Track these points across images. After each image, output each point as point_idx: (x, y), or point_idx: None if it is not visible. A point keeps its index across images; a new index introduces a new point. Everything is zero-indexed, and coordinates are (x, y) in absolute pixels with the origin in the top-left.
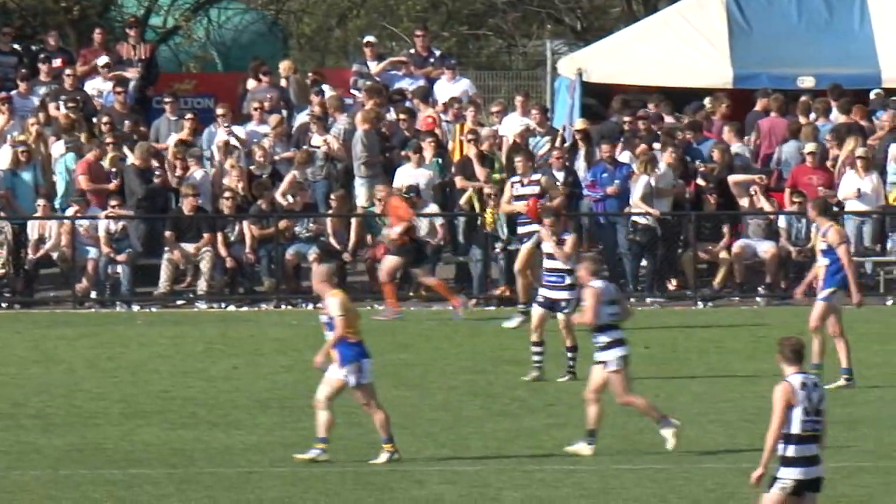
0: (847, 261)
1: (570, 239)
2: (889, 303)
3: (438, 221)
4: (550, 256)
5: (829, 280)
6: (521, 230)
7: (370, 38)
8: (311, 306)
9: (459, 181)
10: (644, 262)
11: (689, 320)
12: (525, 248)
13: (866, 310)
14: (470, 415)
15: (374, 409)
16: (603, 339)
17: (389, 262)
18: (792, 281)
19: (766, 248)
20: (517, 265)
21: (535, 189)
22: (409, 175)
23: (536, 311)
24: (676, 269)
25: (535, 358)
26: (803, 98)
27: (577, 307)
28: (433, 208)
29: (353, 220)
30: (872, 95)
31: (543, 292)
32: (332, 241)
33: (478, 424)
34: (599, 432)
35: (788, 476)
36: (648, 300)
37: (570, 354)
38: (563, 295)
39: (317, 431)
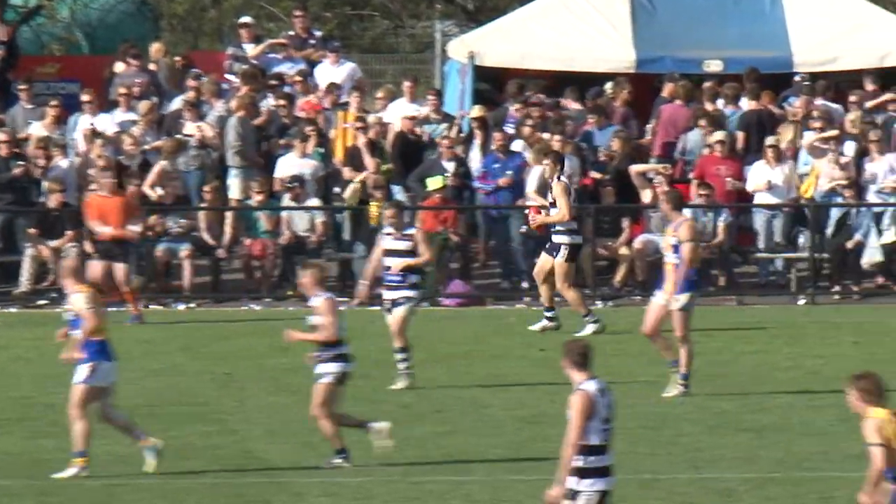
0: (689, 259)
1: (417, 233)
2: (801, 302)
3: (319, 216)
4: (391, 254)
5: (684, 283)
6: (555, 239)
7: (246, 19)
8: (182, 306)
9: (347, 172)
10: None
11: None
12: (557, 264)
13: (777, 310)
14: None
15: (85, 417)
16: (329, 352)
17: None
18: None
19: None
20: (559, 284)
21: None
22: (292, 166)
23: (389, 318)
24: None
25: (402, 365)
26: (708, 83)
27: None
28: (314, 202)
29: (228, 214)
30: (797, 79)
31: (386, 294)
32: (206, 236)
33: (361, 433)
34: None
35: (592, 489)
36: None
37: (400, 356)
38: (405, 294)
39: (73, 444)
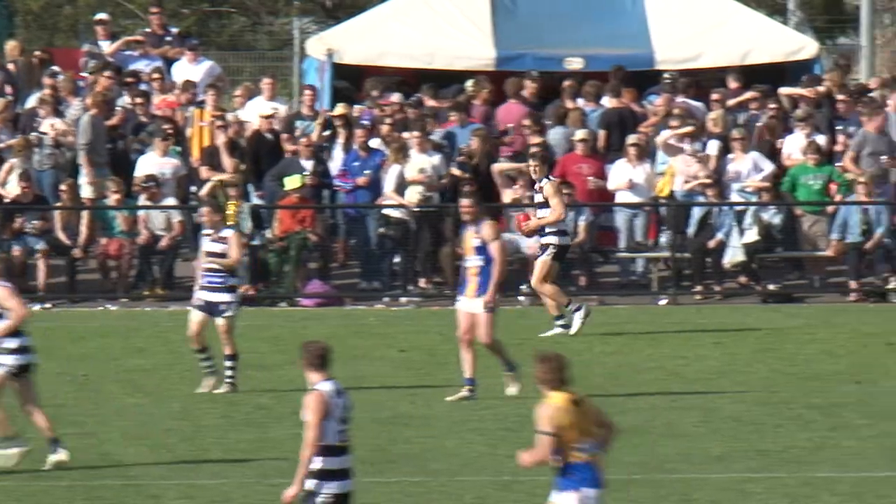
0: (500, 260)
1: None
2: (662, 302)
3: (177, 216)
4: (212, 255)
5: (486, 284)
6: (543, 240)
7: (102, 16)
8: (38, 307)
9: (205, 171)
10: (398, 259)
11: (447, 321)
12: (541, 261)
13: (637, 310)
14: (210, 424)
15: None
16: (10, 343)
17: None
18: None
19: (529, 244)
20: (535, 280)
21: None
22: (153, 165)
23: (195, 317)
24: (434, 266)
25: (205, 364)
26: (568, 81)
27: (237, 310)
28: (171, 201)
29: (84, 214)
30: (667, 76)
31: (202, 295)
32: (61, 235)
33: (219, 434)
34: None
35: (329, 490)
36: (403, 300)
37: (228, 363)
38: (224, 297)
39: None
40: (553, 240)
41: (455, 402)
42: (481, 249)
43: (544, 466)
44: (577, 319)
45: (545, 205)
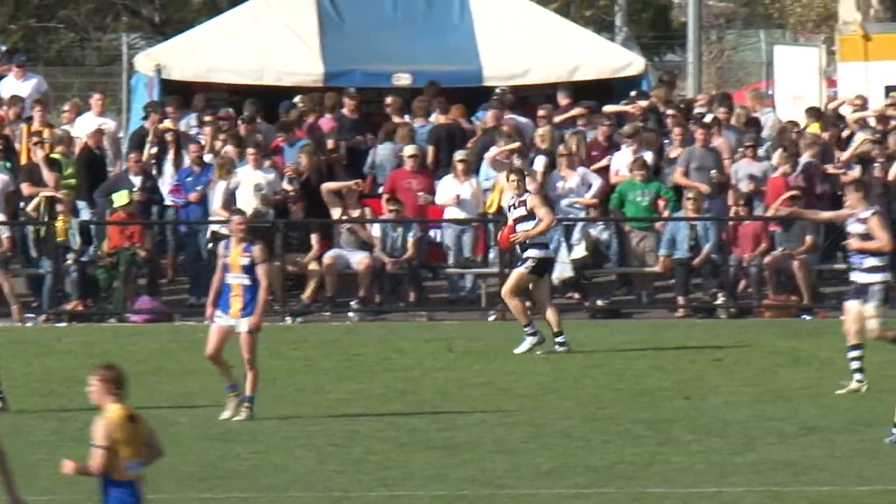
0: (265, 284)
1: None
2: (491, 318)
3: (5, 231)
4: None
5: (252, 305)
6: (525, 253)
7: None
8: None
9: (26, 188)
10: None
11: (277, 337)
12: (517, 272)
13: (467, 326)
14: (40, 440)
15: None
16: None
17: None
18: (387, 294)
19: (359, 259)
20: (505, 290)
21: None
22: None
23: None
24: None
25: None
26: (392, 98)
27: None
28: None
29: None
30: (497, 92)
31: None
32: None
33: (49, 451)
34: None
35: None
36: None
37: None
38: None
39: None
40: (533, 252)
41: (283, 418)
42: (248, 269)
43: (89, 477)
44: (528, 343)
45: (527, 218)
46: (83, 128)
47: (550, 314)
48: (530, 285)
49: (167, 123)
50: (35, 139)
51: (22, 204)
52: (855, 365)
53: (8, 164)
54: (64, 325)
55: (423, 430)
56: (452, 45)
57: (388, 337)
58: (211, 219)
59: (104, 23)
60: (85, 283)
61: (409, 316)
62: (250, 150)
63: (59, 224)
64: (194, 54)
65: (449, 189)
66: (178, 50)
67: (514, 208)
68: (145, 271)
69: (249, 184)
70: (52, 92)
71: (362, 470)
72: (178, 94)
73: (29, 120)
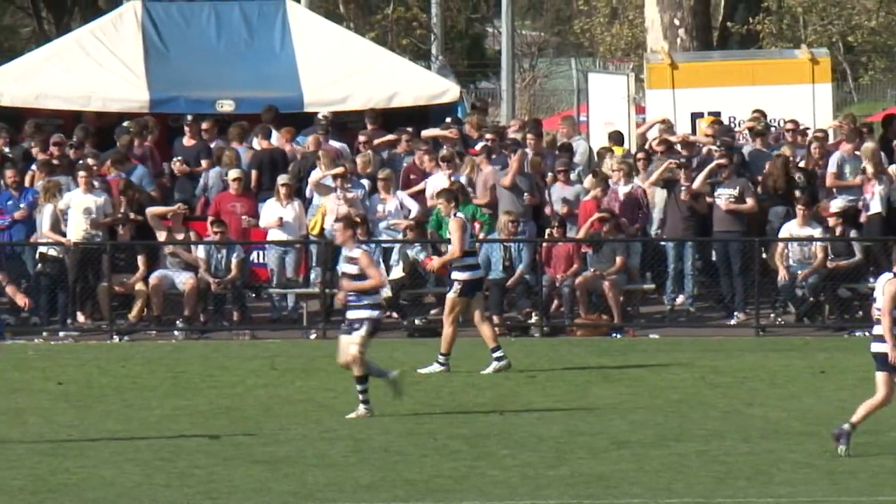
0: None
1: None
2: (312, 336)
3: None
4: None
5: None
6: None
7: None
8: None
9: None
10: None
11: (105, 355)
12: (448, 298)
13: (289, 344)
14: None
15: None
16: None
17: None
18: (212, 314)
19: (184, 280)
20: (445, 316)
21: None
22: None
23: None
24: (91, 301)
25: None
26: (207, 123)
27: None
28: None
29: None
30: (321, 117)
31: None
32: None
33: None
34: None
35: None
36: (62, 334)
37: None
38: None
39: None
40: (459, 276)
41: (111, 433)
42: None
43: None
44: (495, 365)
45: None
46: None
47: (485, 330)
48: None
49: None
50: None
51: None
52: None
53: None
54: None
55: (246, 444)
56: (274, 72)
57: (212, 355)
58: (39, 240)
59: None
60: None
61: (232, 335)
62: (81, 174)
63: None
64: (24, 81)
65: (272, 211)
66: (8, 77)
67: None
68: None
69: (80, 207)
70: None
71: (188, 483)
72: (8, 120)
73: None
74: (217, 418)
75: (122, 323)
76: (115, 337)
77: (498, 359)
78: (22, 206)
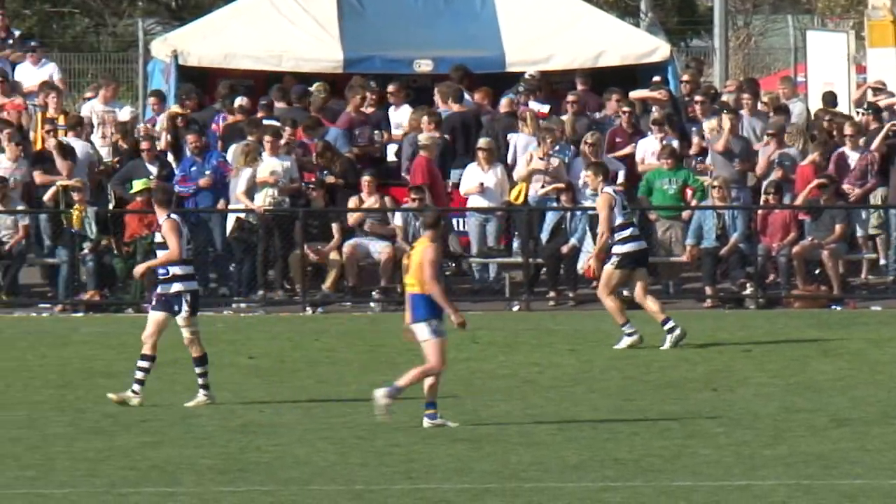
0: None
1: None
2: (515, 308)
3: (23, 220)
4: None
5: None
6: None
7: None
8: None
9: (39, 176)
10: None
11: (298, 327)
12: (605, 269)
13: (491, 317)
14: (57, 432)
15: None
16: None
17: None
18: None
19: (380, 249)
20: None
21: None
22: (1, 168)
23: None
24: (283, 272)
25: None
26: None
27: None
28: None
29: None
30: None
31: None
32: None
33: (66, 443)
34: None
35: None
36: (249, 305)
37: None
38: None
39: None
40: (618, 248)
41: (305, 410)
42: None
43: None
44: (625, 341)
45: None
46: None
47: (650, 305)
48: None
49: (175, 109)
50: (48, 127)
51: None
52: (138, 375)
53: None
54: (80, 315)
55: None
56: (474, 31)
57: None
58: (232, 207)
59: (120, 8)
60: (102, 272)
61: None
62: (267, 138)
63: (73, 213)
64: (212, 40)
65: (473, 177)
66: (196, 35)
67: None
68: None
69: (266, 172)
70: (67, 79)
71: (385, 462)
72: (195, 80)
73: (43, 108)
74: (416, 394)
75: (315, 294)
76: (307, 309)
77: (670, 330)
78: (207, 172)
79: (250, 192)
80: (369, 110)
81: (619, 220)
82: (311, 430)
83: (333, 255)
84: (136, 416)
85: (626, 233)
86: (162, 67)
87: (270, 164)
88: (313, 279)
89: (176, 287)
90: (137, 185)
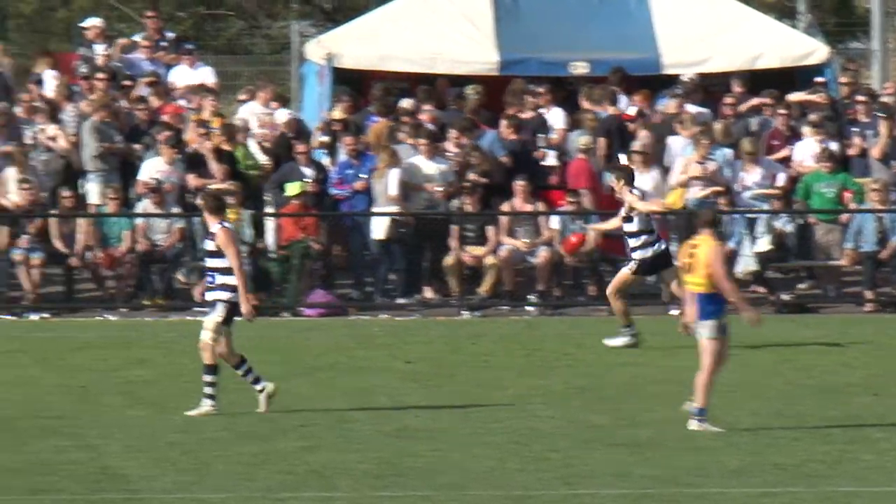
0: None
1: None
2: (674, 312)
3: (178, 223)
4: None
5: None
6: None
7: (94, 21)
8: (35, 316)
9: (192, 179)
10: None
11: (455, 331)
12: (625, 272)
13: (650, 321)
14: (213, 436)
15: None
16: None
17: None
18: (568, 288)
19: (537, 253)
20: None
21: None
22: (156, 170)
23: None
24: (438, 275)
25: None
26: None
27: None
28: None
29: (82, 221)
30: (685, 79)
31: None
32: (58, 244)
33: (222, 447)
34: None
35: None
36: (407, 309)
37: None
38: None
39: None
40: (639, 254)
41: (462, 415)
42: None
43: None
44: (621, 340)
45: (627, 220)
46: (250, 116)
47: (619, 305)
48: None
49: (337, 112)
50: (202, 130)
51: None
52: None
53: (179, 156)
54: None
55: (605, 427)
56: (629, 32)
57: (568, 331)
58: (387, 210)
59: (274, 10)
60: (258, 276)
61: (589, 310)
62: (422, 140)
63: (231, 215)
64: (366, 42)
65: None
66: (350, 38)
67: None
68: (319, 264)
69: (421, 174)
70: (222, 81)
71: (542, 468)
72: (349, 82)
73: (199, 110)
74: (573, 399)
75: (471, 297)
76: (463, 313)
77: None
78: (363, 175)
79: (404, 193)
80: (528, 114)
81: (636, 227)
82: (468, 435)
83: (490, 259)
84: (292, 421)
85: (643, 239)
86: (316, 70)
87: (426, 167)
88: (469, 282)
89: (217, 295)
90: (292, 188)
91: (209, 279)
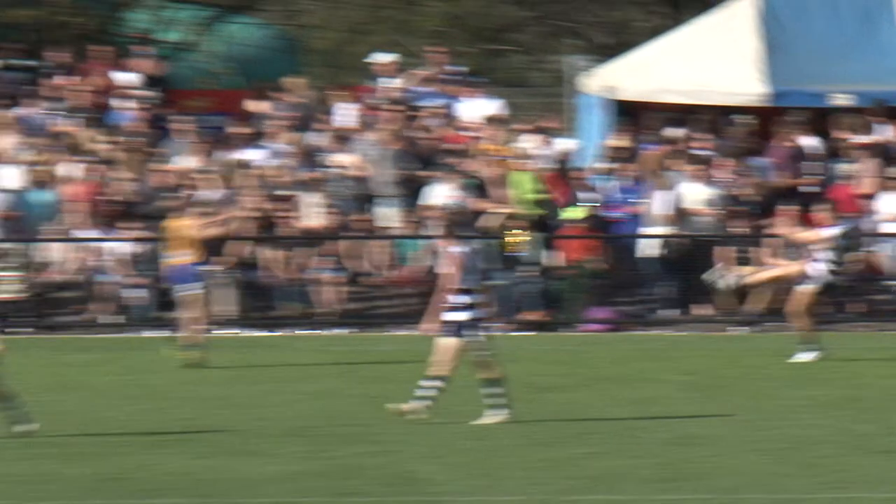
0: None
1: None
2: None
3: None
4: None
5: None
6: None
7: (388, 56)
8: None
9: (477, 203)
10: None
11: (725, 345)
12: (804, 290)
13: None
14: (507, 444)
15: None
16: None
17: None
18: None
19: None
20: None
21: None
22: (444, 194)
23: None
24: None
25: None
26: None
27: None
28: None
29: (381, 242)
30: None
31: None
32: (358, 263)
33: (516, 453)
34: None
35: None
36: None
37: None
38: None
39: None
40: (824, 275)
41: (738, 423)
42: None
43: None
44: (804, 356)
45: None
46: (535, 147)
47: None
48: None
49: (618, 141)
50: (491, 158)
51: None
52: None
53: (474, 182)
54: (524, 333)
55: (870, 435)
56: (890, 64)
57: (831, 346)
58: (661, 231)
59: (553, 45)
60: (546, 294)
61: (853, 326)
62: (694, 166)
63: (509, 238)
64: (641, 75)
65: (891, 204)
66: (625, 70)
67: None
68: (603, 282)
69: (692, 198)
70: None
71: (814, 473)
72: (623, 112)
73: (491, 140)
74: (840, 408)
75: (742, 314)
76: (734, 328)
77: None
78: (637, 200)
79: (679, 214)
80: (793, 143)
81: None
82: (743, 442)
83: (765, 276)
84: (574, 430)
85: (830, 255)
86: (595, 101)
87: (697, 192)
88: (738, 299)
89: (462, 315)
90: (576, 211)
91: (453, 300)
